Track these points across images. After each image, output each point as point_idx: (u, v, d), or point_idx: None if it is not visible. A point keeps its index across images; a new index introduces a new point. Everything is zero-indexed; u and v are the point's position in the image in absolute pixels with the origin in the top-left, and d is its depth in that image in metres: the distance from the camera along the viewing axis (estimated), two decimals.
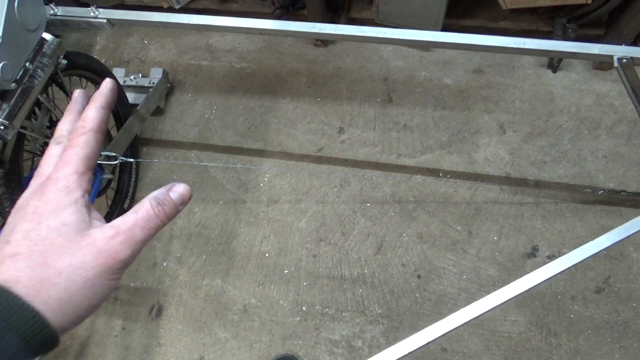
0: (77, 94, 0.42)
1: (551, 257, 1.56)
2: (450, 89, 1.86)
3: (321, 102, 1.89)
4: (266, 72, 1.99)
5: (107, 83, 0.41)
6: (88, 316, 0.34)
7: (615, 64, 0.99)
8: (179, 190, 0.39)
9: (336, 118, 1.85)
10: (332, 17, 1.91)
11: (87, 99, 0.41)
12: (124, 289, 1.65)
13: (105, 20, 1.19)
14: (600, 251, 0.83)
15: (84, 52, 1.78)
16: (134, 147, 1.79)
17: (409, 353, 0.83)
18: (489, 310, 0.90)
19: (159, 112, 1.93)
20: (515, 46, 1.03)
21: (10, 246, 0.33)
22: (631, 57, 1.00)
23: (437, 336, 0.89)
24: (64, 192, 0.35)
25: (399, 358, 0.85)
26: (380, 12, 1.80)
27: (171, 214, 0.38)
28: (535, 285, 0.88)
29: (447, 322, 0.90)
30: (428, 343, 0.89)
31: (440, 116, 1.81)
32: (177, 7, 1.99)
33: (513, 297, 0.88)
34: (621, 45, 1.00)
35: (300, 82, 1.95)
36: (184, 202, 0.39)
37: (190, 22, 1.19)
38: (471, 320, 0.90)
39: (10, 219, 0.36)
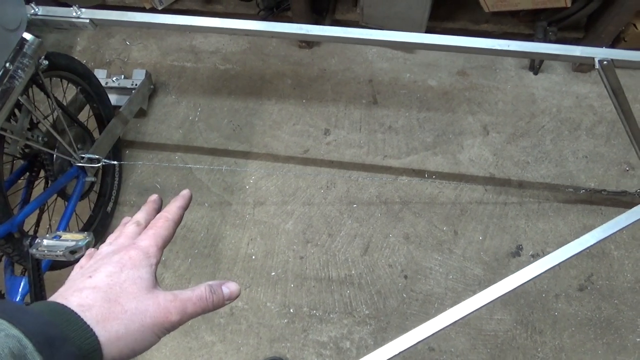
0: (156, 197, 0.53)
1: (535, 256, 1.59)
2: (434, 90, 1.87)
3: (306, 103, 1.89)
4: (251, 74, 1.99)
5: (187, 191, 0.52)
6: (130, 358, 0.39)
7: (597, 65, 1.01)
8: (230, 287, 0.45)
9: (322, 120, 1.85)
10: (317, 19, 1.91)
11: (160, 203, 0.52)
12: None
13: (87, 20, 1.17)
14: (585, 249, 0.85)
15: (64, 53, 1.74)
16: (117, 150, 1.76)
17: (397, 354, 0.84)
18: (475, 310, 0.91)
19: (142, 114, 1.91)
20: (500, 48, 1.04)
21: (93, 280, 0.40)
22: (612, 59, 1.02)
23: (424, 337, 0.90)
24: (144, 256, 0.43)
25: (388, 359, 0.85)
26: (365, 14, 1.81)
27: (217, 304, 0.44)
28: (522, 284, 0.89)
29: (434, 323, 0.91)
30: (416, 344, 0.90)
31: (425, 117, 1.82)
32: (159, 7, 1.97)
33: (499, 297, 0.90)
34: (602, 47, 1.03)
35: (285, 84, 1.95)
36: (232, 298, 0.45)
37: (175, 23, 1.18)
38: (458, 320, 0.91)
39: (90, 263, 0.44)
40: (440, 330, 0.87)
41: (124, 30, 2.17)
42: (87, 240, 1.19)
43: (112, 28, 2.18)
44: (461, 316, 0.87)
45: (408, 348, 0.87)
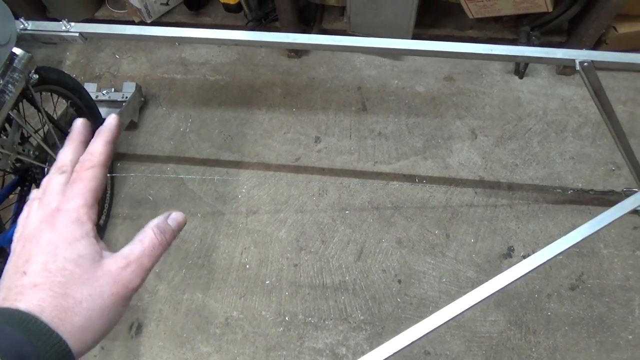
0: (80, 123, 0.44)
1: (526, 257, 1.60)
2: (422, 96, 1.90)
3: (297, 112, 1.91)
4: (240, 84, 2.00)
5: (112, 119, 0.43)
6: (100, 340, 0.36)
7: (577, 67, 1.04)
8: (176, 217, 0.42)
9: (312, 127, 1.87)
10: (305, 29, 1.94)
11: (89, 130, 0.44)
12: None
13: (77, 34, 1.18)
14: (572, 246, 0.87)
15: (54, 67, 1.75)
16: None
17: (392, 354, 0.84)
18: (468, 309, 0.92)
19: (133, 126, 1.91)
20: (484, 52, 1.07)
21: (28, 277, 0.35)
22: (592, 61, 1.04)
23: (418, 337, 0.91)
24: (76, 224, 0.37)
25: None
26: (352, 23, 1.83)
27: (171, 240, 0.41)
28: (512, 282, 0.90)
29: (428, 323, 0.92)
30: (410, 344, 0.90)
31: (414, 123, 1.84)
32: (148, 21, 1.98)
33: (491, 295, 0.91)
34: (582, 49, 1.05)
35: (275, 93, 1.96)
36: (180, 227, 0.42)
37: (164, 35, 1.19)
38: (452, 319, 0.92)
39: (19, 248, 0.37)
40: (434, 329, 0.88)
41: (114, 43, 2.18)
42: None
43: (101, 42, 2.19)
44: (454, 315, 0.88)
45: (403, 349, 0.87)
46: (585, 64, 1.04)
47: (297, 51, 2.01)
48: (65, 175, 0.40)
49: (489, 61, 1.94)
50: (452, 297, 1.54)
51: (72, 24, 1.18)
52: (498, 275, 0.87)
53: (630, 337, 1.47)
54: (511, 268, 0.87)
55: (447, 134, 1.81)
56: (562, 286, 1.55)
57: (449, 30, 1.87)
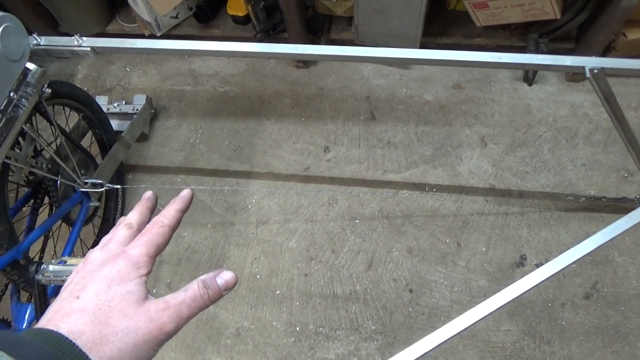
0: (150, 194, 0.50)
1: (539, 265, 1.58)
2: (431, 105, 1.90)
3: (305, 122, 1.92)
4: (250, 95, 2.02)
5: (187, 191, 0.49)
6: None
7: (587, 74, 1.03)
8: (225, 277, 0.43)
9: (321, 137, 1.87)
10: (313, 39, 1.95)
11: (156, 200, 0.50)
12: None
13: (89, 49, 1.20)
14: (586, 255, 0.85)
15: (66, 81, 1.78)
16: (120, 174, 1.78)
17: None
18: (482, 319, 0.91)
19: (143, 138, 1.93)
20: (492, 60, 1.07)
21: (80, 302, 0.38)
22: (602, 67, 1.04)
23: (431, 347, 0.90)
24: (134, 267, 0.40)
25: None
26: (360, 32, 1.84)
27: (214, 298, 0.42)
28: (526, 292, 0.89)
29: (441, 333, 0.91)
30: (423, 355, 0.89)
31: (423, 131, 1.84)
32: (158, 34, 2.01)
33: (504, 305, 0.90)
34: (592, 56, 1.05)
35: (284, 104, 1.97)
36: (228, 288, 0.43)
37: (174, 48, 1.21)
38: (464, 330, 0.91)
39: (78, 278, 0.41)
40: (447, 340, 0.87)
41: (124, 57, 2.21)
42: None
43: (112, 55, 2.23)
44: (467, 325, 0.87)
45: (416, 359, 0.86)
46: (595, 70, 1.04)
47: (305, 61, 2.02)
48: (131, 230, 0.45)
49: (498, 69, 1.93)
50: (464, 307, 1.53)
51: (84, 38, 1.20)
52: (511, 285, 0.86)
53: None
54: (524, 277, 0.86)
55: (456, 142, 1.81)
56: (576, 295, 1.53)
57: (456, 39, 1.88)
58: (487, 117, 1.85)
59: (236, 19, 1.97)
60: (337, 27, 1.96)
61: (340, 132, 1.88)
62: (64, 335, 0.34)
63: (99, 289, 0.38)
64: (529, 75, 1.87)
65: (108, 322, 0.36)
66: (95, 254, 0.44)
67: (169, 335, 0.39)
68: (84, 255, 1.59)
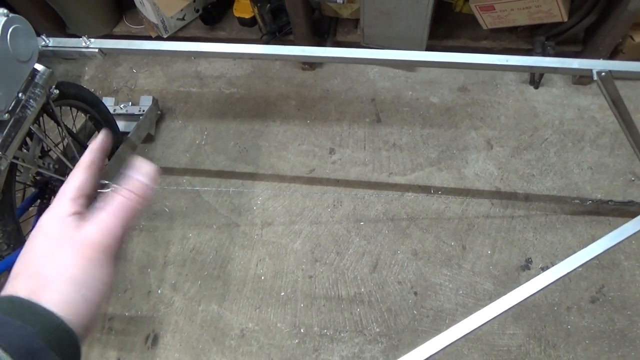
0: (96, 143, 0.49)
1: (545, 269, 1.58)
2: (436, 107, 1.90)
3: (311, 124, 1.92)
4: (255, 97, 2.02)
5: (102, 132, 0.47)
6: (97, 309, 0.37)
7: (595, 77, 1.03)
8: (142, 169, 0.41)
9: (326, 139, 1.88)
10: (319, 42, 1.95)
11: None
12: (118, 319, 1.63)
13: (97, 50, 1.21)
14: (592, 259, 0.85)
15: (73, 82, 1.79)
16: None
17: None
18: (487, 322, 0.91)
19: (149, 139, 1.94)
20: (499, 63, 1.06)
21: (13, 271, 0.38)
22: (609, 71, 1.03)
23: (436, 351, 0.90)
24: (53, 215, 0.40)
25: None
26: (366, 35, 1.84)
27: (145, 194, 0.41)
28: (532, 295, 0.89)
29: (445, 336, 0.91)
30: (428, 358, 0.89)
31: (429, 134, 1.84)
32: (165, 35, 2.02)
33: (510, 308, 0.90)
34: (599, 59, 1.04)
35: (289, 105, 1.98)
36: (154, 179, 0.41)
37: (181, 49, 1.22)
38: (469, 333, 0.91)
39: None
40: (452, 343, 0.87)
41: (131, 58, 2.22)
42: None
43: (119, 57, 2.24)
44: (473, 328, 0.87)
45: None
46: (603, 74, 1.04)
47: (311, 64, 2.02)
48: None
49: (504, 71, 1.93)
50: (469, 310, 1.52)
51: (92, 40, 1.21)
52: (517, 288, 0.86)
53: None
54: (530, 281, 0.85)
55: (462, 145, 1.80)
56: (582, 299, 1.52)
57: (463, 41, 1.87)
58: (493, 119, 1.84)
59: (242, 21, 1.98)
60: (343, 30, 1.97)
61: (346, 134, 1.88)
62: (43, 307, 0.34)
63: (24, 252, 0.39)
64: (535, 78, 1.87)
65: (38, 272, 0.36)
66: None
67: (109, 248, 0.39)
68: None
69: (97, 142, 0.46)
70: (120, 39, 1.24)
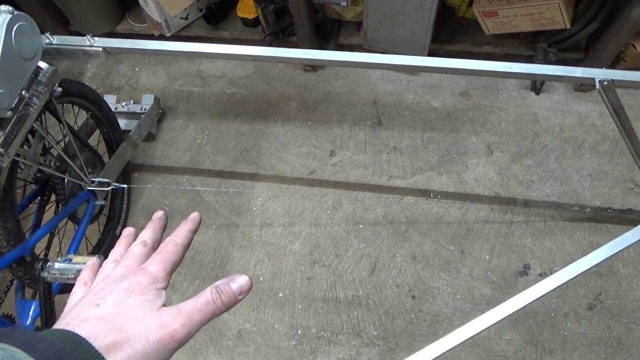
0: (162, 214, 0.52)
1: (543, 275, 1.59)
2: (437, 111, 1.90)
3: (312, 125, 1.92)
4: (257, 97, 2.02)
5: (196, 214, 0.51)
6: None
7: (597, 86, 1.03)
8: (239, 281, 0.43)
9: (327, 141, 1.88)
10: (321, 44, 1.95)
11: (167, 221, 0.52)
12: None
13: (100, 49, 1.21)
14: (591, 267, 0.85)
15: (76, 79, 1.79)
16: (126, 173, 1.79)
17: None
18: (484, 330, 0.91)
19: (150, 138, 1.94)
20: (502, 70, 1.07)
21: (99, 310, 0.39)
22: (612, 79, 1.04)
23: (433, 357, 0.90)
24: (152, 281, 0.42)
25: None
26: (368, 38, 1.85)
27: (229, 303, 0.42)
28: (530, 303, 0.89)
29: (443, 343, 0.91)
30: None
31: (429, 138, 1.84)
32: (168, 34, 2.02)
33: (508, 316, 0.90)
34: (602, 68, 1.05)
35: (291, 107, 1.98)
36: (243, 292, 0.43)
37: (184, 50, 1.22)
38: (467, 340, 0.91)
39: (99, 287, 0.42)
40: (449, 350, 0.87)
41: (133, 57, 2.22)
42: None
43: (121, 55, 2.24)
44: (470, 335, 0.88)
45: None
46: (605, 82, 1.04)
47: (313, 66, 2.03)
48: (146, 248, 0.47)
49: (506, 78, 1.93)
50: (466, 314, 1.53)
51: (96, 39, 1.21)
52: (515, 296, 0.86)
53: None
54: (528, 289, 0.86)
55: (462, 150, 1.81)
56: (580, 305, 1.52)
57: (465, 46, 1.88)
58: (494, 125, 1.85)
59: (246, 22, 1.98)
60: (346, 32, 1.97)
61: (347, 136, 1.88)
62: (80, 336, 0.35)
63: (118, 299, 0.40)
64: (537, 84, 1.87)
65: (123, 328, 0.37)
66: (110, 266, 0.46)
67: (180, 343, 0.39)
68: (89, 253, 1.60)
69: (194, 224, 0.50)
70: (124, 38, 1.24)
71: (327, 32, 1.94)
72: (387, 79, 2.00)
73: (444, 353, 0.88)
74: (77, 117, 1.64)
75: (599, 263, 0.85)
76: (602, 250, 0.86)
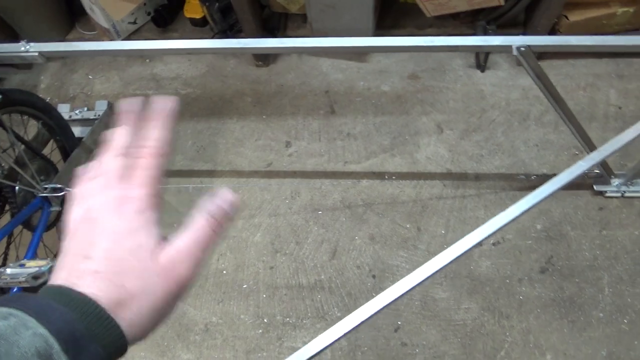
0: (128, 103, 0.41)
1: (497, 244, 1.64)
2: (388, 95, 1.95)
3: (267, 119, 1.95)
4: (211, 96, 2.04)
5: (171, 100, 0.41)
6: (145, 337, 0.36)
7: (514, 52, 1.08)
8: (222, 195, 0.39)
9: (282, 133, 1.91)
10: (270, 38, 1.98)
11: (140, 107, 0.41)
12: None
13: (36, 54, 1.22)
14: (511, 221, 0.90)
15: (24, 89, 1.79)
16: None
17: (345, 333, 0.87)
18: (424, 280, 0.96)
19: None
20: (425, 44, 1.11)
21: (92, 263, 0.34)
22: (528, 45, 1.09)
23: (377, 309, 0.95)
24: (140, 213, 0.36)
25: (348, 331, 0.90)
26: (314, 29, 1.89)
27: (224, 222, 0.38)
28: (466, 251, 0.94)
29: (385, 295, 0.96)
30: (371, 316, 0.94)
31: (381, 122, 1.89)
32: (118, 40, 2.03)
33: (444, 266, 0.95)
34: (518, 35, 1.10)
35: (245, 102, 2.01)
36: (233, 204, 0.39)
37: (122, 48, 1.24)
38: (408, 291, 0.96)
39: (84, 228, 0.36)
40: (393, 301, 0.92)
41: (87, 65, 2.22)
42: (49, 266, 1.21)
43: (75, 64, 2.24)
44: (411, 286, 0.93)
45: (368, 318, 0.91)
46: (522, 48, 1.09)
47: (265, 60, 2.06)
48: (121, 159, 0.38)
49: (451, 58, 1.99)
50: (425, 289, 1.57)
51: (32, 43, 1.22)
52: (447, 249, 0.91)
53: (601, 314, 1.50)
54: (456, 243, 0.91)
55: (413, 130, 1.85)
56: (533, 270, 1.58)
57: (409, 30, 1.93)
58: (443, 104, 1.90)
59: (194, 22, 2.01)
60: (293, 25, 2.00)
61: (301, 127, 1.91)
62: (87, 296, 0.32)
63: (108, 247, 0.35)
64: (481, 61, 1.93)
65: (124, 285, 0.34)
66: (94, 191, 0.38)
67: (187, 287, 0.36)
68: (51, 259, 1.60)
69: (169, 119, 0.41)
70: (60, 42, 1.25)
71: (274, 27, 1.97)
72: (337, 68, 2.04)
73: (387, 305, 0.93)
74: (27, 126, 1.64)
75: (517, 216, 0.90)
76: (520, 204, 0.91)
